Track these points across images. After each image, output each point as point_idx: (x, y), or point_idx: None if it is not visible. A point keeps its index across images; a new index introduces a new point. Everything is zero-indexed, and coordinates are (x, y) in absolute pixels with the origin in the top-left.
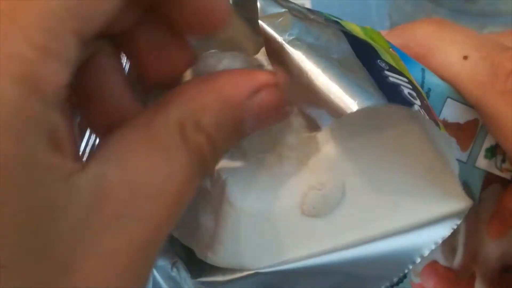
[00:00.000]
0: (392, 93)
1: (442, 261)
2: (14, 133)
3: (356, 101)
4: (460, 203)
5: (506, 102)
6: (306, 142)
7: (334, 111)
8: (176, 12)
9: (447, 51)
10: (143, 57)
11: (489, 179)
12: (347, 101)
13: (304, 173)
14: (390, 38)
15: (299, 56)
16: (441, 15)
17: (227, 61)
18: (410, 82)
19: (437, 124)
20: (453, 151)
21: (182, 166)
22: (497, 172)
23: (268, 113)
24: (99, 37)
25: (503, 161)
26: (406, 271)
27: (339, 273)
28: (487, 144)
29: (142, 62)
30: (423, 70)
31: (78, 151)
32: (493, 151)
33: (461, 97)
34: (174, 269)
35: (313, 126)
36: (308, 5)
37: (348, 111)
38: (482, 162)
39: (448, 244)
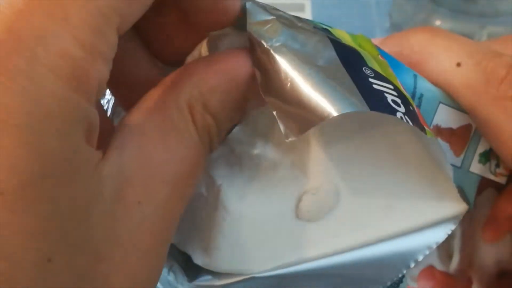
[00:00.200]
0: (375, 101)
1: (438, 266)
2: (60, 129)
3: (336, 108)
4: (455, 207)
5: (499, 108)
6: (301, 147)
7: (314, 116)
8: (190, 9)
9: (441, 58)
10: (152, 39)
11: (483, 184)
12: (327, 107)
13: (298, 178)
14: (385, 45)
15: (283, 62)
16: (441, 15)
17: (230, 39)
18: (396, 89)
19: (423, 130)
20: (445, 156)
21: (194, 148)
22: (491, 177)
23: None
24: None
25: (497, 166)
26: (400, 275)
27: (333, 277)
28: (480, 149)
29: (151, 44)
30: (415, 76)
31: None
32: (487, 156)
33: (454, 102)
34: (171, 273)
35: (290, 132)
36: (308, 5)
37: (326, 117)
38: (476, 167)
39: (444, 249)
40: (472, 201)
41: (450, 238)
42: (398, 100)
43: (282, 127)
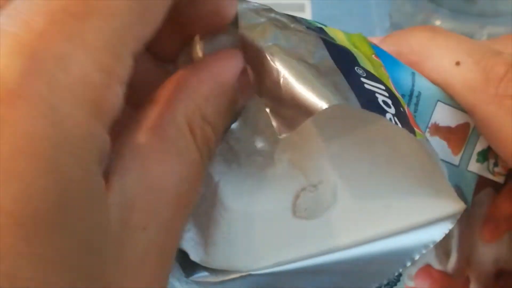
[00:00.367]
0: (366, 100)
1: (436, 265)
2: (78, 157)
3: (326, 101)
4: (452, 206)
5: (498, 106)
6: (298, 144)
7: (306, 110)
8: (187, 14)
9: (440, 57)
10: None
11: (481, 183)
12: (317, 101)
13: (296, 175)
14: (384, 44)
15: (275, 60)
16: (441, 15)
17: (225, 36)
18: (387, 89)
19: (412, 132)
20: (437, 156)
21: (194, 165)
22: (489, 176)
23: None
24: None
25: (496, 165)
26: (396, 274)
27: (330, 274)
28: (479, 147)
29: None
30: (413, 73)
31: None
32: (485, 155)
33: (452, 101)
34: None
35: (283, 128)
36: (308, 5)
37: (317, 110)
38: (474, 166)
39: (442, 248)
40: (469, 200)
41: (447, 237)
42: (389, 101)
43: (274, 124)
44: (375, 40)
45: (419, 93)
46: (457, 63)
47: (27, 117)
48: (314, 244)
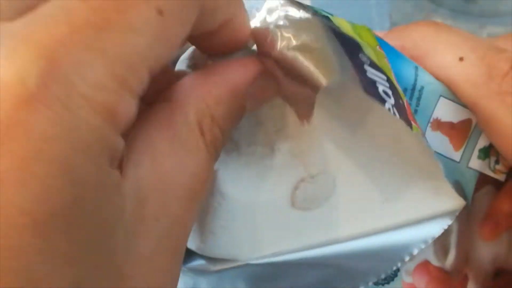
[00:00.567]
0: (369, 86)
1: (434, 261)
2: (92, 159)
3: (328, 78)
4: (452, 203)
5: (501, 103)
6: (298, 135)
7: (312, 86)
8: (205, 39)
9: (443, 52)
10: None
11: (482, 180)
12: (322, 78)
13: (295, 166)
14: (387, 39)
15: (285, 41)
16: (441, 15)
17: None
18: (388, 80)
19: (410, 125)
20: (432, 152)
21: (203, 162)
22: (490, 173)
23: (264, 94)
24: None
25: (497, 162)
26: (394, 268)
27: (328, 266)
28: (480, 144)
29: None
30: (416, 68)
31: None
32: (487, 152)
33: (455, 96)
34: None
35: (302, 114)
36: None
37: (322, 84)
38: (475, 163)
39: (440, 244)
40: (470, 197)
41: (446, 233)
42: (389, 92)
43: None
44: (379, 34)
45: (422, 87)
46: (461, 59)
47: (45, 120)
48: (312, 236)
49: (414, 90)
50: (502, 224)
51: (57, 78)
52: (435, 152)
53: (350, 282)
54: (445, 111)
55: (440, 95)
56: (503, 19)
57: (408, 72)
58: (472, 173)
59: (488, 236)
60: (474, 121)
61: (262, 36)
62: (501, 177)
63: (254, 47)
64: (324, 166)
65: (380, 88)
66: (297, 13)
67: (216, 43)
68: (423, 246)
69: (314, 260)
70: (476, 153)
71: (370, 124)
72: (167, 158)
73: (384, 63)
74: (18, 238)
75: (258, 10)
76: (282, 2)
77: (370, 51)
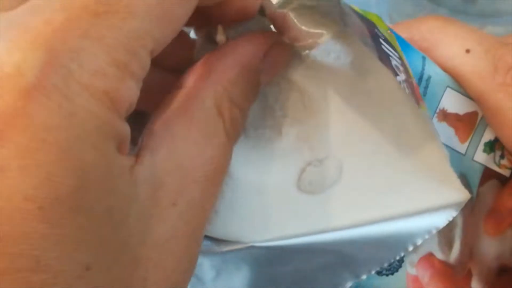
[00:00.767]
0: (383, 58)
1: (438, 254)
2: (95, 145)
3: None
4: (457, 195)
5: (506, 95)
6: (306, 119)
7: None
8: (210, 14)
9: (450, 44)
10: None
11: (487, 174)
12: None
13: (302, 150)
14: (396, 31)
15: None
16: (441, 15)
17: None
18: (400, 57)
19: (418, 103)
20: (437, 135)
21: (221, 147)
22: (495, 167)
23: (277, 66)
24: None
25: (502, 157)
26: (397, 257)
27: (332, 253)
28: (486, 138)
29: None
30: (423, 58)
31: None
32: (492, 146)
33: (462, 88)
34: None
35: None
36: None
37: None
38: (480, 156)
39: (445, 237)
40: (475, 190)
41: (451, 226)
42: (401, 68)
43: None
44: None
45: (429, 77)
46: (467, 51)
47: (45, 110)
48: (317, 220)
49: (421, 79)
50: (506, 219)
51: (55, 67)
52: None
53: (353, 269)
54: (452, 102)
55: (447, 86)
56: (503, 19)
57: (415, 61)
58: (477, 167)
59: (492, 231)
60: (480, 114)
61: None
62: (506, 172)
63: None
64: (331, 151)
65: (393, 62)
66: None
67: (227, 13)
68: (427, 237)
69: (318, 246)
70: (481, 146)
71: (378, 112)
72: (184, 143)
73: (396, 44)
74: (24, 224)
75: None
76: None
77: (384, 31)
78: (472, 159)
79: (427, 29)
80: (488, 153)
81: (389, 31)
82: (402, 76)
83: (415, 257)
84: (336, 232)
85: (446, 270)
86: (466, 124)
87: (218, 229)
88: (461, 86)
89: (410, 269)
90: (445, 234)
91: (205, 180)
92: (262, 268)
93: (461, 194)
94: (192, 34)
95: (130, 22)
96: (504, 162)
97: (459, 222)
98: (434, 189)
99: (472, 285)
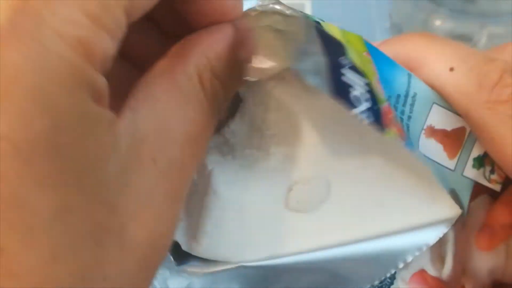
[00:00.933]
0: (339, 90)
1: (431, 271)
2: (68, 88)
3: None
4: (448, 211)
5: (492, 112)
6: (293, 139)
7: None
8: (189, 10)
9: (434, 63)
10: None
11: (478, 189)
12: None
13: (290, 169)
14: (381, 49)
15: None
16: (441, 15)
17: None
18: (368, 85)
19: (382, 130)
20: (419, 156)
21: (202, 111)
22: (485, 183)
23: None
24: None
25: (492, 172)
26: (388, 274)
27: (321, 271)
28: (475, 153)
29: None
30: (409, 75)
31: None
32: (481, 162)
33: (448, 104)
34: None
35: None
36: (308, 5)
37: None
38: (470, 172)
39: (437, 253)
40: (466, 206)
41: (442, 242)
42: (363, 97)
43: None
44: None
45: (415, 94)
46: (451, 69)
47: (16, 52)
48: (306, 239)
49: (407, 97)
50: (498, 234)
51: (28, 12)
52: (429, 159)
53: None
54: (439, 118)
55: (434, 102)
56: (503, 19)
57: (401, 79)
58: (468, 182)
59: (484, 247)
60: (468, 130)
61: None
62: (496, 187)
63: None
64: (318, 170)
65: (353, 93)
66: (286, 10)
67: (208, 17)
68: (417, 254)
69: (308, 265)
70: (470, 162)
71: (364, 129)
72: (166, 104)
73: (369, 68)
74: (1, 164)
75: None
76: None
77: (355, 55)
78: (462, 175)
79: (412, 48)
80: (478, 168)
81: (365, 53)
82: (364, 106)
83: (407, 274)
84: (326, 250)
85: (439, 286)
86: (454, 140)
87: (207, 249)
88: (447, 103)
89: (402, 285)
90: (437, 250)
91: (186, 141)
92: (253, 287)
93: (452, 210)
94: None
95: None
96: (494, 177)
97: (451, 238)
98: (424, 205)
99: None
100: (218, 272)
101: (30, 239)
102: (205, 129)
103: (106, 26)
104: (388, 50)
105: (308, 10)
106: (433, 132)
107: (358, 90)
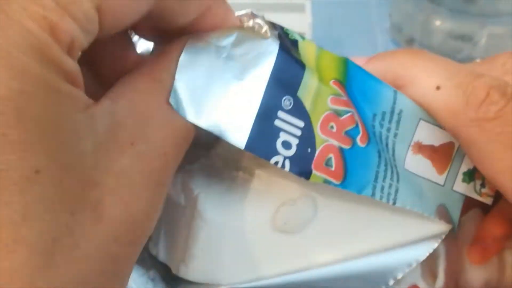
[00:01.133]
0: (260, 137)
1: (422, 286)
2: (37, 60)
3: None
4: (437, 226)
5: (479, 130)
6: None
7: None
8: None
9: (421, 81)
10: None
11: (469, 203)
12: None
13: (276, 190)
14: (368, 67)
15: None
16: (441, 15)
17: None
18: (307, 127)
19: (306, 175)
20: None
21: None
22: (476, 196)
23: None
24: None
25: (483, 185)
26: None
27: None
28: (464, 167)
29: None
30: (395, 92)
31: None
32: (471, 176)
33: (435, 120)
34: (150, 282)
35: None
36: (308, 5)
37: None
38: (460, 186)
39: (428, 268)
40: (456, 221)
41: (434, 257)
42: (294, 142)
43: None
44: (358, 61)
45: (401, 111)
46: (437, 88)
47: None
48: (294, 260)
49: (393, 114)
50: (491, 248)
51: None
52: (418, 175)
53: None
54: (426, 134)
55: (420, 118)
56: (503, 19)
57: (386, 96)
58: (458, 197)
59: (477, 260)
60: (456, 145)
61: None
62: (487, 200)
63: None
64: (305, 190)
65: (282, 139)
66: (262, 26)
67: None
68: (407, 270)
69: (297, 285)
70: (460, 176)
71: None
72: (146, 96)
73: (324, 103)
74: None
75: None
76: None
77: (312, 89)
78: (452, 190)
79: (399, 66)
80: (468, 183)
81: (333, 82)
82: (287, 153)
83: None
84: (315, 270)
85: None
86: (442, 155)
87: (195, 272)
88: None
89: None
90: (429, 266)
91: (167, 127)
92: None
93: (441, 226)
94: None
95: None
96: (485, 190)
97: (442, 253)
98: (412, 222)
99: None
100: None
101: None
102: (187, 123)
103: (73, 14)
104: (375, 67)
105: (308, 10)
106: (420, 148)
107: (289, 135)
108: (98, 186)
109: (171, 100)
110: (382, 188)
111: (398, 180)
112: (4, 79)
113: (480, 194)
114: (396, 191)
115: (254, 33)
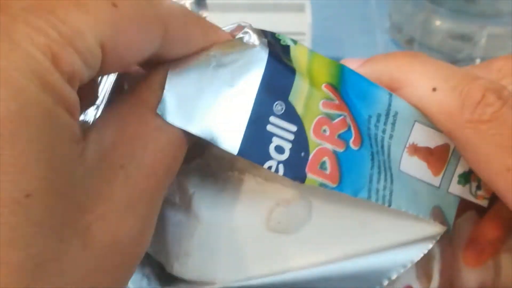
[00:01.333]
0: (252, 142)
1: (417, 287)
2: (37, 84)
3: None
4: (432, 227)
5: (475, 132)
6: None
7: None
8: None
9: (417, 83)
10: None
11: (464, 205)
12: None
13: (271, 190)
14: (363, 70)
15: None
16: (441, 15)
17: None
18: (299, 131)
19: (301, 179)
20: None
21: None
22: (472, 199)
23: None
24: None
25: (479, 188)
26: None
27: None
28: (460, 170)
29: None
30: (390, 94)
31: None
32: (467, 178)
33: (430, 122)
34: (145, 279)
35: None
36: (308, 5)
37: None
38: (455, 188)
39: (423, 270)
40: (451, 223)
41: (429, 259)
42: (287, 147)
43: None
44: (354, 63)
45: (396, 113)
46: (434, 89)
47: None
48: (289, 260)
49: (388, 116)
50: (486, 250)
51: (5, 12)
52: (413, 177)
53: None
54: (422, 136)
55: (415, 121)
56: (503, 19)
57: (381, 98)
58: (453, 199)
59: (472, 263)
60: (452, 146)
61: None
62: (483, 203)
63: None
64: (299, 191)
65: (274, 144)
66: (251, 35)
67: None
68: (402, 271)
69: (291, 284)
70: (456, 178)
71: None
72: (133, 118)
73: (316, 107)
74: None
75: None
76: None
77: (302, 93)
78: (447, 192)
79: (394, 68)
80: (464, 185)
81: (325, 86)
82: (281, 157)
83: None
84: (310, 269)
85: None
86: (438, 157)
87: (190, 271)
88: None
89: None
90: (423, 267)
91: (155, 146)
92: None
93: (436, 227)
94: None
95: (82, 13)
96: (481, 192)
97: (437, 254)
98: (407, 223)
99: None
100: None
101: None
102: (177, 138)
103: (77, 48)
104: (371, 69)
105: (308, 10)
106: (416, 150)
107: (281, 140)
108: (87, 212)
109: (159, 110)
110: (377, 190)
111: (392, 182)
112: (3, 100)
113: (475, 196)
114: (391, 193)
115: (243, 43)
